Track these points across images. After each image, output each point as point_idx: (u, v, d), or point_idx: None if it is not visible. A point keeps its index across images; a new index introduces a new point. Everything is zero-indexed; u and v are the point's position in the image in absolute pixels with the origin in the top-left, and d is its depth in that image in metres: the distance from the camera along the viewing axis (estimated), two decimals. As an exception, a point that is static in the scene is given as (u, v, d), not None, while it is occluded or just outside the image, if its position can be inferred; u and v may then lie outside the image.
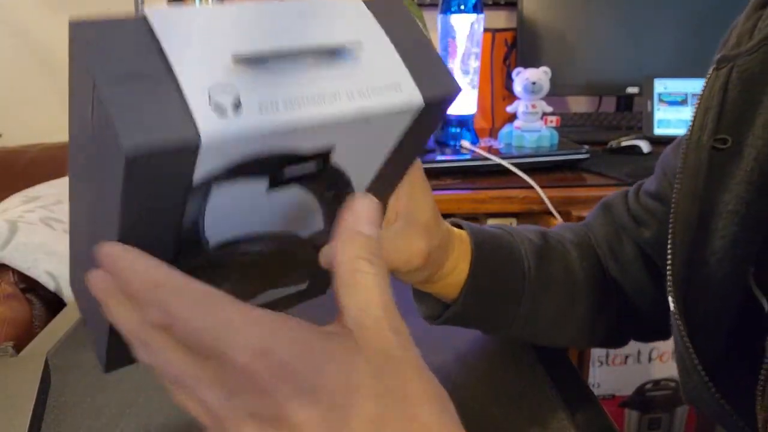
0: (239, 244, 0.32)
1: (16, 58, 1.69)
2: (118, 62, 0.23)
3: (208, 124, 0.23)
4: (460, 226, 0.50)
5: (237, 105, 0.24)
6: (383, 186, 0.36)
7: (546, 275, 0.52)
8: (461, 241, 0.49)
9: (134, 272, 0.26)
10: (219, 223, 0.29)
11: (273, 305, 0.41)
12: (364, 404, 0.25)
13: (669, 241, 0.44)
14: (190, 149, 0.23)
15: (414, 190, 0.41)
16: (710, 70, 0.44)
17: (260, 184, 0.28)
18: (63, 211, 1.06)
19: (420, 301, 0.53)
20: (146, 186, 0.24)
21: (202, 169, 0.25)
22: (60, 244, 0.96)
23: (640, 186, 0.57)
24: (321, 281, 0.42)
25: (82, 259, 0.35)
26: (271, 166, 0.27)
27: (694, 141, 0.43)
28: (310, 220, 0.35)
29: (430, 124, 0.32)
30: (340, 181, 0.32)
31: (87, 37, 0.23)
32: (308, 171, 0.29)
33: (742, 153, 0.41)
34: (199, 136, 0.23)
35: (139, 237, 0.26)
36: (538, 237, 0.54)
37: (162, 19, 0.24)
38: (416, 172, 0.41)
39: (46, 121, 1.71)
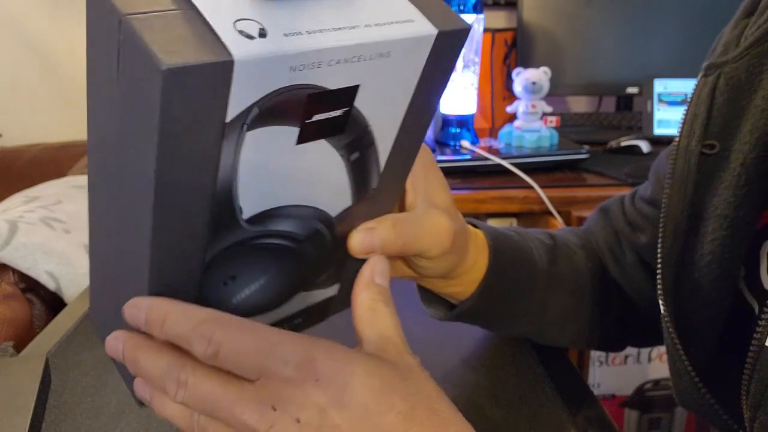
0: (273, 220, 0.33)
1: (16, 58, 1.69)
2: (141, 2, 0.23)
3: (238, 46, 0.24)
4: (473, 225, 0.50)
5: (263, 33, 0.25)
6: (402, 154, 0.36)
7: (556, 274, 0.52)
8: (477, 237, 0.49)
9: (178, 314, 0.29)
10: (251, 189, 0.30)
11: (304, 315, 0.41)
12: (396, 401, 0.29)
13: (659, 245, 0.45)
14: (225, 66, 0.23)
15: (429, 175, 0.42)
16: (698, 78, 0.45)
17: (290, 137, 0.29)
18: (63, 211, 1.06)
19: (429, 304, 0.53)
20: (183, 115, 0.24)
21: (234, 101, 0.25)
22: (60, 243, 0.96)
23: (636, 191, 0.58)
24: (347, 288, 0.41)
25: (109, 288, 0.35)
26: (300, 109, 0.28)
27: (682, 147, 0.44)
28: (340, 196, 0.35)
29: (445, 66, 0.33)
30: (364, 137, 0.33)
31: None
32: (334, 116, 0.30)
33: (730, 158, 0.42)
34: (231, 54, 0.23)
35: (176, 196, 0.27)
36: (547, 237, 0.54)
37: None
38: (427, 156, 0.42)
39: (46, 121, 1.71)
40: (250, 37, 0.24)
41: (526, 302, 0.51)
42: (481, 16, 1.25)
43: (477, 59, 1.28)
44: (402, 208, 0.42)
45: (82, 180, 1.28)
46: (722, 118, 0.43)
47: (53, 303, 0.92)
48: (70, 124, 1.68)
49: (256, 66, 0.24)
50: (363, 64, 0.28)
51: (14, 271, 0.91)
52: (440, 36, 0.30)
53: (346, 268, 0.41)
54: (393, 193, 0.39)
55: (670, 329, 0.44)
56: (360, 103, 0.30)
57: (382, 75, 0.30)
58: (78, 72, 1.69)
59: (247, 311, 0.37)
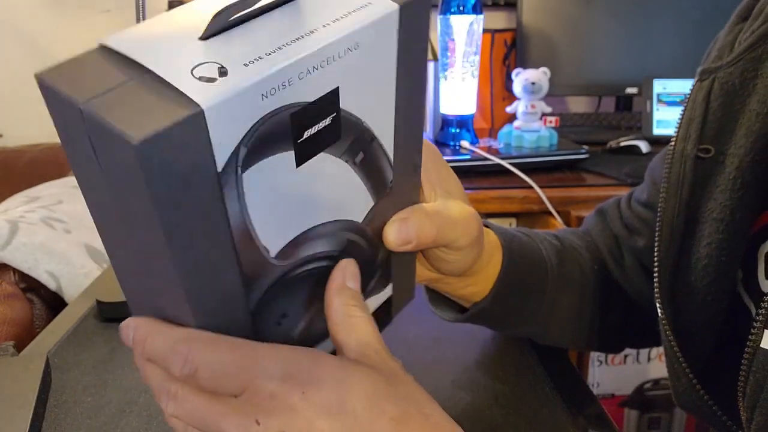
0: (302, 247, 0.31)
1: (17, 58, 1.69)
2: (94, 84, 0.23)
3: (203, 93, 0.23)
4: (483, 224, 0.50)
5: (223, 71, 0.24)
6: (408, 139, 0.35)
7: (564, 275, 0.52)
8: (488, 234, 0.49)
9: (157, 334, 0.29)
10: (269, 226, 0.29)
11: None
12: (387, 407, 0.28)
13: (656, 248, 0.45)
14: (196, 119, 0.22)
15: (439, 168, 0.42)
16: (693, 83, 0.45)
17: (288, 162, 0.28)
18: (63, 211, 1.06)
19: (438, 306, 0.52)
20: (173, 181, 0.23)
21: (219, 149, 0.24)
22: (60, 243, 0.96)
23: (632, 194, 0.58)
24: (401, 283, 0.41)
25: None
26: (288, 132, 0.27)
27: (678, 151, 0.45)
28: (359, 199, 0.34)
29: (418, 38, 0.31)
30: (363, 135, 0.31)
31: (58, 78, 0.23)
32: (325, 126, 0.28)
33: (725, 162, 0.42)
34: (199, 104, 0.22)
35: (197, 257, 0.26)
36: (554, 238, 0.55)
37: (120, 39, 0.24)
38: (433, 150, 0.42)
39: (47, 122, 1.71)
40: (212, 80, 0.23)
41: (537, 303, 0.51)
42: (481, 16, 1.25)
43: (477, 63, 1.28)
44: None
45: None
46: (717, 122, 0.43)
47: (54, 303, 0.92)
48: (70, 124, 1.68)
49: (227, 106, 0.23)
50: (334, 65, 0.27)
51: (15, 270, 0.91)
52: (403, 9, 0.29)
53: (394, 267, 0.40)
54: (413, 183, 0.38)
55: (667, 332, 0.44)
56: (346, 104, 0.29)
57: (359, 69, 0.29)
58: (78, 72, 1.69)
59: (312, 340, 0.36)
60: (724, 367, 0.44)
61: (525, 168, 1.18)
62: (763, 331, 0.38)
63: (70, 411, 0.47)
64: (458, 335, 0.57)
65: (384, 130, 0.33)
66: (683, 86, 1.42)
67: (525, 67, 1.32)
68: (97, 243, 0.98)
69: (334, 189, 0.32)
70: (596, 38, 1.56)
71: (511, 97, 1.33)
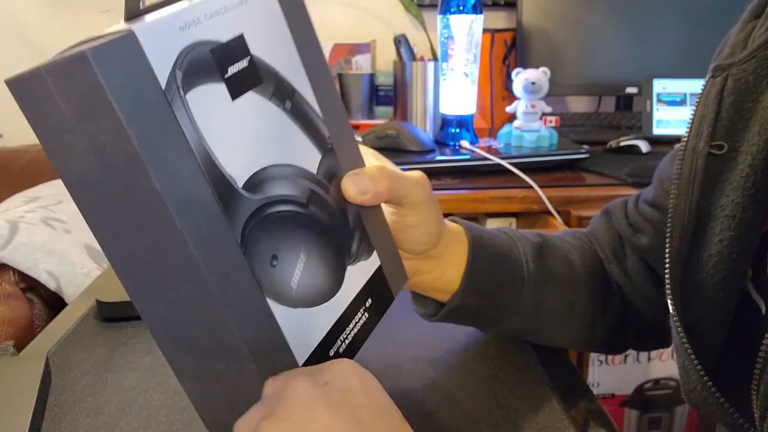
0: (267, 185, 0.35)
1: (17, 58, 1.69)
2: (54, 61, 0.28)
3: (130, 25, 0.29)
4: (453, 222, 0.52)
5: (148, 15, 0.31)
6: (328, 98, 0.40)
7: (547, 270, 0.52)
8: (458, 232, 0.50)
9: None
10: (227, 154, 0.32)
11: (372, 294, 0.42)
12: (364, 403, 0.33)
13: (667, 245, 0.45)
14: (130, 41, 0.28)
15: (380, 157, 0.45)
16: (706, 80, 0.45)
17: (223, 94, 0.33)
18: (63, 211, 1.06)
19: (419, 303, 0.54)
20: (126, 88, 0.28)
21: (158, 69, 0.29)
22: (60, 243, 0.96)
23: (640, 194, 0.58)
24: (386, 254, 0.44)
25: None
26: (214, 66, 0.32)
27: (690, 148, 0.44)
28: (305, 148, 0.38)
29: (297, 8, 0.38)
30: (283, 84, 0.37)
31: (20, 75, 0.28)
32: (244, 67, 0.34)
33: (737, 159, 0.42)
34: (129, 29, 0.28)
35: (177, 184, 0.30)
36: (535, 236, 0.55)
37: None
38: (363, 150, 0.44)
39: (46, 122, 1.71)
40: (142, 19, 0.30)
41: (515, 301, 0.52)
42: (481, 16, 1.25)
43: (476, 63, 1.28)
44: None
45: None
46: (730, 119, 0.43)
47: (53, 302, 0.93)
48: (70, 124, 1.68)
49: (152, 31, 0.29)
50: (232, 14, 0.33)
51: (15, 270, 0.92)
52: None
53: (370, 232, 0.42)
54: (353, 147, 0.42)
55: (678, 328, 0.44)
56: (256, 51, 0.35)
57: (253, 21, 0.35)
58: (78, 72, 1.69)
59: (316, 295, 0.38)
60: (734, 364, 0.44)
61: (525, 168, 1.18)
62: None
63: (70, 411, 0.47)
64: (458, 335, 0.57)
65: (302, 86, 0.38)
66: (683, 86, 1.42)
67: (525, 67, 1.32)
68: (97, 243, 0.98)
69: (277, 131, 0.36)
70: (596, 38, 1.56)
71: (511, 97, 1.33)
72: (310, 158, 0.38)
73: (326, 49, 1.61)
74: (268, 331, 0.34)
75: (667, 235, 0.45)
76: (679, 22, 1.52)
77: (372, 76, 1.50)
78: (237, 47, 0.34)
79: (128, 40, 0.28)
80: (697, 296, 0.44)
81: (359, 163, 0.42)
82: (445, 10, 1.25)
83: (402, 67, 1.36)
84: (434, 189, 0.45)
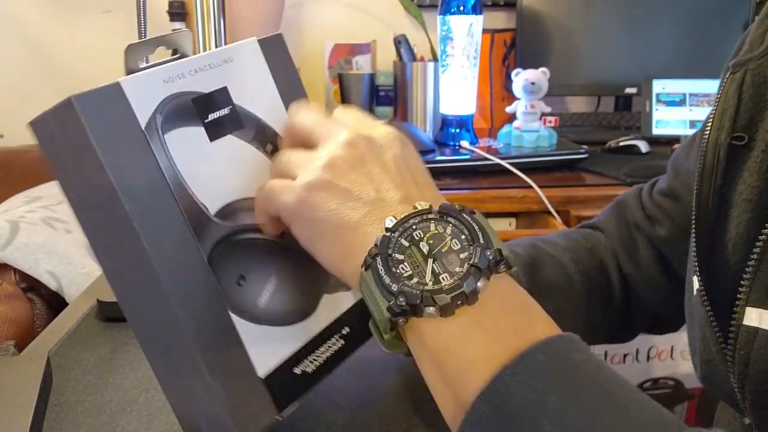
0: (240, 214, 0.38)
1: (17, 58, 1.69)
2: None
3: (123, 79, 0.34)
4: None
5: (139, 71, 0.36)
6: None
7: (540, 283, 0.53)
8: None
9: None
10: (201, 186, 0.36)
11: (350, 322, 0.43)
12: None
13: (693, 230, 0.47)
14: (115, 90, 0.33)
15: None
16: (726, 75, 0.47)
17: (202, 135, 0.37)
18: (64, 211, 1.07)
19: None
20: (110, 134, 0.32)
21: (139, 112, 0.34)
22: (61, 243, 0.96)
23: (653, 185, 0.60)
24: None
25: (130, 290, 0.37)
26: (194, 112, 0.36)
27: (712, 140, 0.46)
28: None
29: (283, 62, 0.42)
30: (266, 129, 0.40)
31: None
32: (225, 114, 0.38)
33: (755, 147, 0.44)
34: (117, 81, 0.34)
35: (150, 210, 0.33)
36: (525, 249, 0.56)
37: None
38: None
39: (47, 122, 1.71)
40: (133, 73, 0.35)
41: None
42: (480, 16, 1.25)
43: (476, 63, 1.29)
44: None
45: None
46: (749, 112, 0.45)
47: (54, 302, 0.93)
48: (70, 124, 1.68)
49: (136, 82, 0.34)
50: (217, 71, 0.38)
51: (16, 270, 0.92)
52: (260, 41, 0.41)
53: None
54: None
55: (705, 302, 0.46)
56: (239, 101, 0.39)
57: (239, 76, 0.39)
58: (79, 72, 1.69)
59: (283, 315, 0.39)
60: None
61: (524, 168, 1.18)
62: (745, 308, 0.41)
63: (71, 410, 0.47)
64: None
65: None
66: (682, 86, 1.42)
67: (524, 67, 1.32)
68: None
69: (254, 170, 0.39)
70: (596, 38, 1.56)
71: (511, 97, 1.33)
72: None
73: (327, 50, 1.62)
74: (228, 341, 0.36)
75: (693, 220, 0.47)
76: (679, 22, 1.52)
77: (372, 77, 1.50)
78: (219, 97, 0.38)
79: (114, 88, 0.33)
80: (719, 276, 0.46)
81: None
82: (445, 11, 1.25)
83: (402, 68, 1.36)
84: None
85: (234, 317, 0.36)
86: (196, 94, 0.36)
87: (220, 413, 0.36)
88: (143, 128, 0.34)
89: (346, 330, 0.42)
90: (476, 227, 0.31)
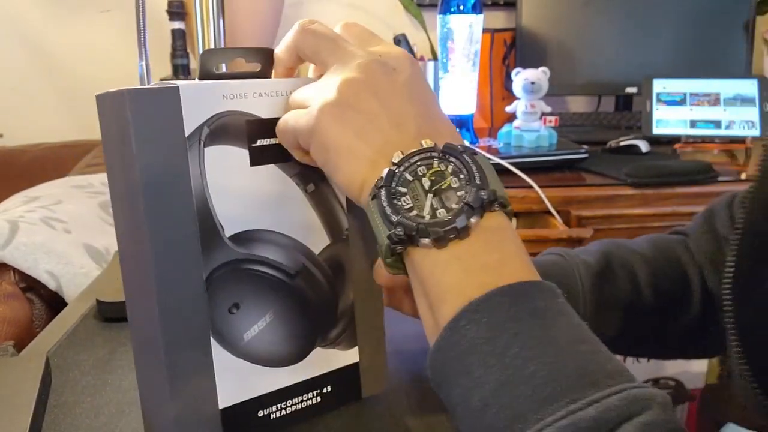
0: (256, 244, 0.37)
1: (17, 58, 1.69)
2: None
3: (181, 83, 0.34)
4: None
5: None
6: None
7: (605, 294, 0.53)
8: None
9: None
10: (224, 207, 0.36)
11: (334, 383, 0.42)
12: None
13: (736, 238, 0.46)
14: (172, 93, 0.34)
15: None
16: None
17: (244, 158, 0.37)
18: (64, 211, 1.06)
19: None
20: (152, 130, 0.33)
21: (188, 120, 0.34)
22: (60, 243, 0.96)
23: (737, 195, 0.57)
24: (369, 358, 0.44)
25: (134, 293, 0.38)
26: (244, 134, 0.36)
27: None
28: (314, 231, 0.39)
29: None
30: (309, 168, 0.38)
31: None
32: (274, 143, 0.37)
33: None
34: (176, 85, 0.34)
35: (163, 204, 0.34)
36: (597, 259, 0.55)
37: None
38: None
39: (47, 121, 1.72)
40: (207, 77, 0.36)
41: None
42: (480, 16, 1.25)
43: (476, 63, 1.28)
44: None
45: (83, 180, 1.28)
46: None
47: (54, 302, 0.93)
48: (71, 124, 1.68)
49: (195, 90, 0.34)
50: (282, 99, 0.37)
51: (15, 270, 0.92)
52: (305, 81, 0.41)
53: (359, 328, 0.43)
54: (371, 243, 0.41)
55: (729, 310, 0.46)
56: None
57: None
58: (79, 72, 1.69)
59: (261, 357, 0.38)
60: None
61: (525, 168, 1.18)
62: None
63: (70, 411, 0.47)
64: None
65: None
66: (683, 86, 1.42)
67: (524, 66, 1.32)
68: (97, 243, 0.99)
69: (288, 206, 0.39)
70: (596, 38, 1.56)
71: (511, 97, 1.33)
72: (316, 239, 0.40)
73: (326, 49, 1.62)
74: (198, 362, 0.36)
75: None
76: (680, 21, 1.52)
77: (372, 76, 1.49)
78: (274, 126, 0.37)
79: (171, 91, 0.34)
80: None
81: (370, 267, 0.42)
82: (445, 10, 1.25)
83: (402, 67, 1.36)
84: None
85: (214, 342, 0.37)
86: (252, 117, 0.36)
87: (170, 426, 0.36)
88: (186, 136, 0.34)
89: (327, 389, 0.42)
90: (474, 168, 0.33)
